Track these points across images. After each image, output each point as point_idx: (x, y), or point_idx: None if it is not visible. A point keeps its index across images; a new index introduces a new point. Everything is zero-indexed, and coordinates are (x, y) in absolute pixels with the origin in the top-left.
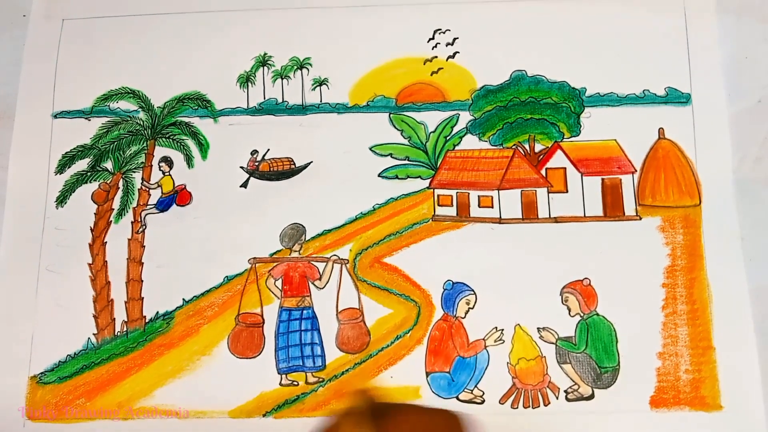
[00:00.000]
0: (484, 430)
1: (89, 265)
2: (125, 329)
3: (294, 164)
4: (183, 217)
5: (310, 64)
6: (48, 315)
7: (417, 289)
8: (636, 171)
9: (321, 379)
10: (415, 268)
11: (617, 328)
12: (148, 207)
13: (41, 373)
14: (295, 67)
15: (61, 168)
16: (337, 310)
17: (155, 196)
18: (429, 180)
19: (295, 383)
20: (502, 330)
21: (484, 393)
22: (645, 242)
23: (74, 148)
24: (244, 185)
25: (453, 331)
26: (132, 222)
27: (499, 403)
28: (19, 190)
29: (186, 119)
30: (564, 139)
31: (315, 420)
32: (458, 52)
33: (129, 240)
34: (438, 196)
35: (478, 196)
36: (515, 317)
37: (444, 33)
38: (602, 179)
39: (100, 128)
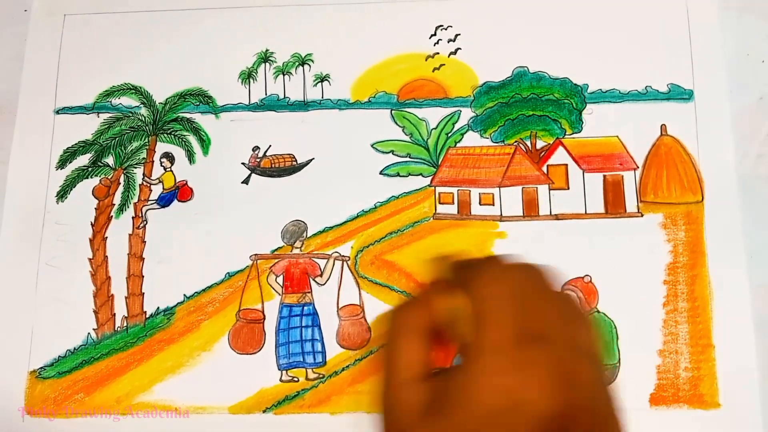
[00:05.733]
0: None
1: (90, 260)
2: (125, 324)
3: (296, 161)
4: (184, 212)
5: (312, 60)
6: (48, 310)
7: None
8: (638, 167)
9: (321, 375)
10: (416, 265)
11: (618, 326)
12: (149, 202)
13: (41, 368)
14: (297, 63)
15: (62, 163)
16: (338, 307)
17: (156, 191)
18: (430, 178)
19: (296, 379)
20: None
21: None
22: (646, 239)
23: (75, 144)
24: (246, 182)
25: None
26: (133, 217)
27: None
28: (19, 185)
29: (187, 115)
30: (566, 136)
31: (315, 416)
32: (460, 49)
33: (130, 235)
34: (439, 194)
35: (479, 194)
36: None
37: (446, 29)
38: (604, 176)
39: (101, 124)
